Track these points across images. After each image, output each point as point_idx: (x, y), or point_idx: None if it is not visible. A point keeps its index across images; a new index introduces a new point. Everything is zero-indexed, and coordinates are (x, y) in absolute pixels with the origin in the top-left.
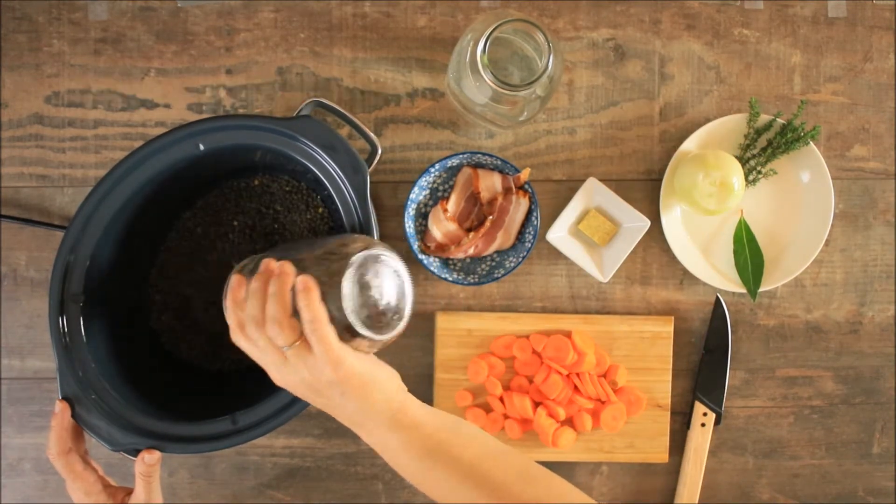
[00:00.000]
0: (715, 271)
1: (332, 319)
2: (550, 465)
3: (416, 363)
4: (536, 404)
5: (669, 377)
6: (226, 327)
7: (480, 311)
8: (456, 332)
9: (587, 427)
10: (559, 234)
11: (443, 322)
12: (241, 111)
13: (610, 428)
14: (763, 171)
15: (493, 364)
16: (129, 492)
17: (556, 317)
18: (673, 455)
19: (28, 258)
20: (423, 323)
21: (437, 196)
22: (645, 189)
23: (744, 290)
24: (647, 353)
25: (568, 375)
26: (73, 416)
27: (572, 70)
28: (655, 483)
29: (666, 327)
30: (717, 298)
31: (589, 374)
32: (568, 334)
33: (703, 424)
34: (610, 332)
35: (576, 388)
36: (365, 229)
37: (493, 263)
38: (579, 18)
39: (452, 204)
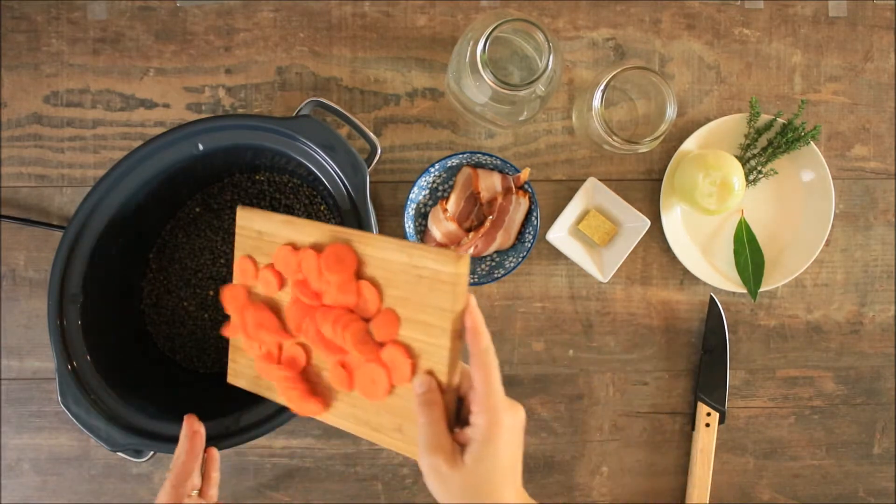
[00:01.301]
0: (715, 271)
1: None
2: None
3: None
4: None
5: (448, 341)
6: (217, 331)
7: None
8: (249, 232)
9: (343, 384)
10: (559, 234)
11: (241, 217)
12: (240, 111)
13: (368, 394)
14: (763, 170)
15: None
16: None
17: (342, 230)
18: (675, 456)
19: (27, 258)
20: None
21: (437, 196)
22: (645, 189)
23: (744, 290)
24: (425, 300)
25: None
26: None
27: (572, 70)
28: (656, 484)
29: (447, 267)
30: (711, 298)
31: (333, 309)
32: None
33: (707, 425)
34: (387, 262)
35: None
36: (365, 229)
37: (493, 263)
38: (579, 18)
39: (452, 204)
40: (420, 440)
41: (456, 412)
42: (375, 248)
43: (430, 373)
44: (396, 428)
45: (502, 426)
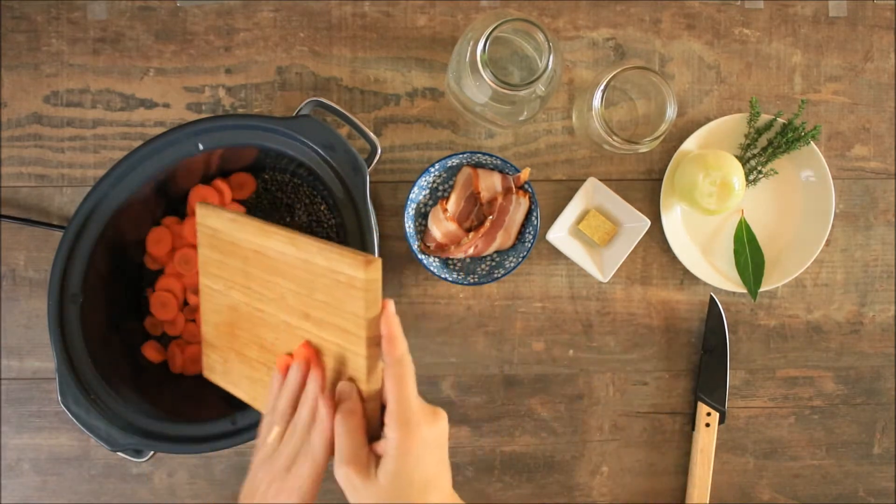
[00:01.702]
0: (715, 271)
1: None
2: None
3: None
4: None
5: (364, 349)
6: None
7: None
8: (206, 229)
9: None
10: (559, 234)
11: (199, 214)
12: (240, 111)
13: None
14: (764, 170)
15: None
16: None
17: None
18: (675, 456)
19: (27, 258)
20: (417, 322)
21: (437, 196)
22: (645, 189)
23: (744, 290)
24: (342, 305)
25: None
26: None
27: (572, 70)
28: (656, 484)
29: (359, 272)
30: (711, 298)
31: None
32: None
33: (707, 425)
34: (311, 265)
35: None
36: (364, 229)
37: (493, 263)
38: (579, 18)
39: (452, 204)
40: (336, 450)
41: (380, 420)
42: (302, 251)
43: (352, 380)
44: None
45: (416, 440)
